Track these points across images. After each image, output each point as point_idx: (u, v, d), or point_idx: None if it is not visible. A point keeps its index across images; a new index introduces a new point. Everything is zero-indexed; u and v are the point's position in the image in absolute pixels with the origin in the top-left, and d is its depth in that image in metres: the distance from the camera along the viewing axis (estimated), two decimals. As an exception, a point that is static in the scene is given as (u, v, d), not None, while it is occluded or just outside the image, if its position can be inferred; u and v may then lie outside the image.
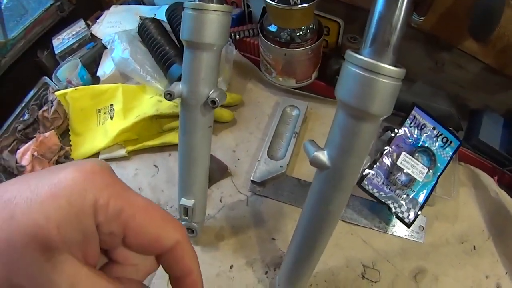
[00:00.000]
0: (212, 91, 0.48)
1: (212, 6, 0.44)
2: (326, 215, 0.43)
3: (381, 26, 0.35)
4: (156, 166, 0.69)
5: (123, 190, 0.21)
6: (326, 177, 0.41)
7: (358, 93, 0.35)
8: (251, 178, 0.64)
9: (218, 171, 0.65)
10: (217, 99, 0.47)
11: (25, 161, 0.66)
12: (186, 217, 0.54)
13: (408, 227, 0.58)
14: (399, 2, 0.34)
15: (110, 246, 0.21)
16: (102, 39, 0.80)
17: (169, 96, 0.47)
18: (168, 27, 0.78)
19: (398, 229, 0.60)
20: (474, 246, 0.58)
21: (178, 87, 0.48)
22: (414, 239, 0.59)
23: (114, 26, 0.83)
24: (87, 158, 0.70)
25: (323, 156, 0.40)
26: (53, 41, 0.81)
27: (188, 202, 0.53)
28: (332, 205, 0.42)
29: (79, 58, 0.77)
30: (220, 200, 0.64)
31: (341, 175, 0.40)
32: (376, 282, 0.55)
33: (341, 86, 0.37)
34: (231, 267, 0.57)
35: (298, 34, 0.64)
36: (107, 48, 0.78)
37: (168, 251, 0.22)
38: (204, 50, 0.46)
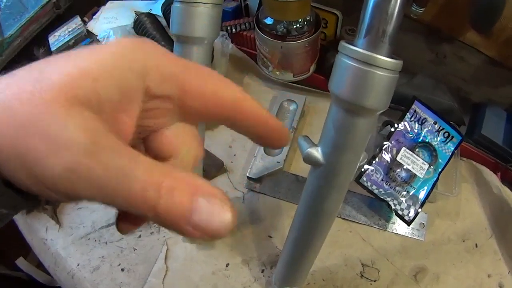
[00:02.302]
0: None
1: None
2: (321, 214, 0.42)
3: (376, 15, 0.33)
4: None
5: (178, 57, 0.18)
6: (320, 175, 0.39)
7: (353, 86, 0.34)
8: (247, 175, 0.63)
9: (213, 167, 0.64)
10: None
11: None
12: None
13: (408, 225, 0.57)
14: None
15: (156, 121, 0.19)
16: (97, 35, 0.79)
17: None
18: (164, 22, 0.77)
19: (398, 226, 0.58)
20: (476, 244, 0.57)
21: None
22: (415, 237, 0.58)
23: (110, 22, 0.82)
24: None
25: (317, 152, 0.38)
26: (49, 38, 0.80)
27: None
28: (327, 203, 0.41)
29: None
30: (216, 197, 0.63)
31: (336, 173, 0.39)
32: (375, 281, 0.54)
33: (335, 79, 0.36)
34: (227, 265, 0.56)
35: (294, 26, 0.62)
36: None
37: (231, 106, 0.20)
38: (195, 44, 0.44)
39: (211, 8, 0.43)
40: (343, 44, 0.35)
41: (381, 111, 0.36)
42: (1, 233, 0.95)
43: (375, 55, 0.32)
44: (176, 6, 0.43)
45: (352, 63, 0.33)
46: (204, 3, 0.42)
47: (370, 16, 0.34)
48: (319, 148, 0.39)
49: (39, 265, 0.91)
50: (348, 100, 0.34)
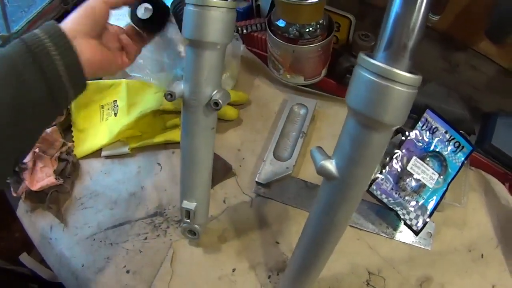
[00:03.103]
0: (215, 92, 0.46)
1: (215, 2, 0.41)
2: (332, 225, 0.42)
3: (397, 28, 0.32)
4: (159, 164, 0.68)
5: None
6: (333, 187, 0.39)
7: (371, 101, 0.33)
8: (256, 179, 0.62)
9: (222, 171, 0.64)
10: (220, 100, 0.45)
11: (27, 157, 0.65)
12: (188, 220, 0.53)
13: (416, 235, 0.56)
14: (418, 2, 0.31)
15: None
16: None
17: (169, 96, 0.45)
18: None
19: (405, 235, 0.58)
20: (482, 254, 0.57)
21: (179, 87, 0.46)
22: (422, 246, 0.57)
23: (119, 19, 0.80)
24: (89, 154, 0.69)
25: (331, 165, 0.38)
26: (57, 33, 0.79)
27: (190, 205, 0.52)
28: (339, 215, 0.41)
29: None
30: (224, 201, 0.63)
31: (349, 186, 0.38)
32: (380, 290, 0.54)
33: (353, 93, 0.35)
34: (234, 270, 0.56)
35: (307, 30, 0.61)
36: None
37: None
38: (207, 48, 0.43)
39: (226, 13, 0.42)
40: (362, 56, 0.34)
41: (398, 127, 0.35)
42: (5, 229, 0.95)
43: (395, 70, 0.32)
44: (189, 9, 0.42)
45: (371, 77, 0.33)
46: (218, 7, 0.41)
47: (391, 29, 0.33)
48: (333, 161, 0.38)
49: (43, 261, 0.91)
50: (366, 115, 0.34)
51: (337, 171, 0.38)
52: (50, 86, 0.38)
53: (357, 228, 0.59)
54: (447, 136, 0.59)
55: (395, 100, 0.33)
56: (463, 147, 0.59)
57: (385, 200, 0.57)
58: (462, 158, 0.59)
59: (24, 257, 0.90)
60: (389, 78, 0.32)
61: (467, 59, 0.63)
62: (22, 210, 0.66)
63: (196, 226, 0.54)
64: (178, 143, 0.68)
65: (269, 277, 0.55)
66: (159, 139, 0.68)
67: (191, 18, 0.42)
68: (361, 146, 0.36)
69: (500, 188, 0.61)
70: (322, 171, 0.38)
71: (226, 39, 0.44)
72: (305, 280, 0.47)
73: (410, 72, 0.32)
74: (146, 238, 0.60)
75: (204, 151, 0.50)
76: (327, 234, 0.42)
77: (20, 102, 0.36)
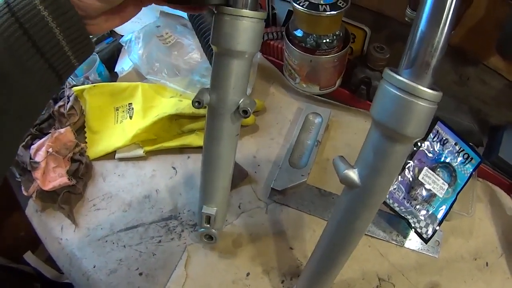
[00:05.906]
0: (242, 100, 0.47)
1: (247, 12, 0.42)
2: (352, 232, 0.43)
3: (421, 47, 0.34)
4: (174, 168, 0.69)
5: None
6: (355, 196, 0.40)
7: (395, 114, 0.35)
8: (272, 186, 0.63)
9: (238, 177, 0.65)
10: (249, 108, 0.46)
11: (39, 157, 0.65)
12: (208, 225, 0.54)
13: (426, 243, 0.58)
14: (442, 23, 0.33)
15: None
16: (121, 35, 0.79)
17: (197, 104, 0.46)
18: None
19: (414, 243, 0.60)
20: (486, 263, 0.59)
21: (206, 95, 0.47)
22: (430, 254, 0.59)
23: (134, 22, 0.81)
24: (102, 156, 0.70)
25: (353, 174, 0.39)
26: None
27: (210, 210, 0.53)
28: (359, 223, 0.42)
29: (97, 53, 0.76)
30: (239, 207, 0.64)
31: (371, 194, 0.40)
32: (390, 296, 0.55)
33: (377, 106, 0.37)
34: (248, 274, 0.57)
35: (324, 41, 0.63)
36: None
37: None
38: (236, 57, 0.44)
39: (256, 23, 0.43)
40: (388, 72, 0.36)
41: (419, 139, 0.37)
42: (11, 227, 0.95)
43: (418, 86, 0.33)
44: (220, 19, 0.43)
45: (396, 92, 0.34)
46: (250, 17, 0.42)
47: (416, 48, 0.34)
48: (356, 170, 0.40)
49: (47, 260, 0.91)
50: (390, 127, 0.35)
51: (360, 180, 0.39)
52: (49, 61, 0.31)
53: (368, 235, 0.60)
54: (457, 147, 0.61)
55: (418, 114, 0.34)
56: (471, 158, 0.61)
57: (397, 209, 0.58)
58: (471, 169, 0.60)
59: (29, 256, 0.90)
60: (413, 94, 0.33)
61: (477, 73, 0.64)
62: (31, 210, 0.66)
63: (214, 231, 0.55)
64: (194, 148, 0.69)
65: (282, 281, 0.56)
66: (175, 143, 0.69)
67: (222, 27, 0.43)
68: (384, 156, 0.38)
69: (506, 199, 0.63)
70: (345, 180, 0.40)
71: (255, 48, 0.44)
72: (320, 285, 0.49)
73: (431, 89, 0.34)
74: (160, 241, 0.60)
75: (227, 157, 0.51)
76: (346, 240, 0.44)
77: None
